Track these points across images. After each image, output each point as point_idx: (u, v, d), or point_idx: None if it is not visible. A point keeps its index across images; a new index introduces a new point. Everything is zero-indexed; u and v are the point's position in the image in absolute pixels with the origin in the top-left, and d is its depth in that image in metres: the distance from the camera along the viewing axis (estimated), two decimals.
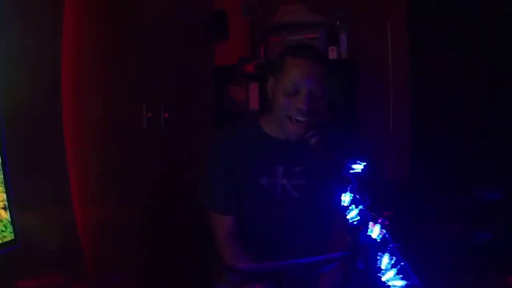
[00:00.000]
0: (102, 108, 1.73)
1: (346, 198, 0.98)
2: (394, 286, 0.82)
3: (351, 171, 1.03)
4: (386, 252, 0.85)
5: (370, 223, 0.88)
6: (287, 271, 1.00)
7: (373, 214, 0.91)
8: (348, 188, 0.99)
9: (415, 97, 2.55)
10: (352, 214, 0.96)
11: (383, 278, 0.83)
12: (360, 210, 0.94)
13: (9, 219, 1.23)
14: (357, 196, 0.96)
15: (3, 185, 1.22)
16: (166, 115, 2.11)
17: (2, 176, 1.22)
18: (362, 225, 0.90)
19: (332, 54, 2.33)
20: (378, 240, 0.86)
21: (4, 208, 1.21)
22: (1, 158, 1.22)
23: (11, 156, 1.25)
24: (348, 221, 0.95)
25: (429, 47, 2.52)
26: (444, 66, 2.49)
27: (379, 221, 0.88)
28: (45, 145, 1.45)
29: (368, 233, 0.87)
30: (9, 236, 1.22)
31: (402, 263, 0.83)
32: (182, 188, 2.15)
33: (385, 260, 0.85)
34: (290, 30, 2.35)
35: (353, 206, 0.96)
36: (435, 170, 2.48)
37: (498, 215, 2.24)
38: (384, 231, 0.87)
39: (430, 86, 2.52)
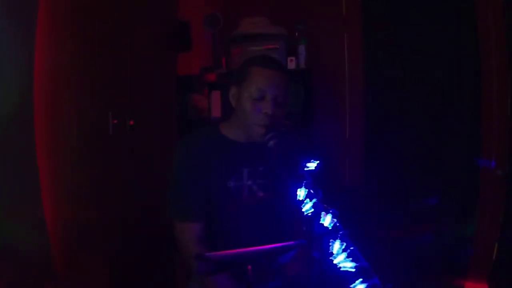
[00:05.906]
0: (73, 113, 1.77)
1: (301, 192, 1.08)
2: (345, 267, 0.91)
3: (305, 169, 1.12)
4: (337, 239, 0.95)
5: (323, 213, 0.97)
6: (250, 258, 1.08)
7: (324, 205, 1.00)
8: (303, 184, 1.08)
9: (370, 105, 2.68)
10: (307, 207, 1.05)
11: (335, 261, 0.92)
12: (313, 203, 1.04)
13: None
14: (311, 191, 1.06)
15: None
16: (131, 123, 2.14)
17: None
18: (316, 216, 1.00)
19: (291, 64, 2.44)
20: (330, 228, 0.96)
21: None
22: None
23: None
24: (304, 213, 1.05)
25: (383, 58, 2.66)
26: (398, 75, 2.61)
27: (330, 211, 0.98)
28: (15, 148, 1.48)
29: (320, 222, 0.96)
30: None
31: (352, 248, 0.93)
32: (148, 193, 2.18)
33: (336, 246, 0.95)
34: (251, 41, 2.46)
35: (308, 199, 1.06)
36: (387, 177, 2.58)
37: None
38: (335, 220, 0.97)
39: (385, 95, 2.65)
